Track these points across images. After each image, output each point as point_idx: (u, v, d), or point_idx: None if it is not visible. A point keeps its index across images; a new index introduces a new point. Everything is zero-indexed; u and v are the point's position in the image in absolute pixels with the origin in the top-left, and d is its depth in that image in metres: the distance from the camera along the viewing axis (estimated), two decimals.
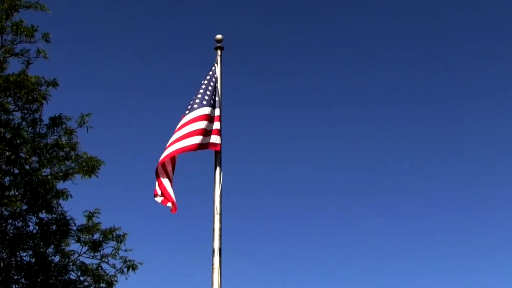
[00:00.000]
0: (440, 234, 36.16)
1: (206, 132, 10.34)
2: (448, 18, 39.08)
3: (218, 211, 9.99)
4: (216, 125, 10.45)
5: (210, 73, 10.91)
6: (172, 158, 10.20)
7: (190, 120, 10.35)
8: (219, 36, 11.36)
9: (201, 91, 10.65)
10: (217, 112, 10.56)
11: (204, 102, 10.52)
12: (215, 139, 10.35)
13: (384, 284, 33.38)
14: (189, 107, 10.54)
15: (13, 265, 13.73)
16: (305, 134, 38.80)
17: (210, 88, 10.70)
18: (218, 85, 10.94)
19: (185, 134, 10.22)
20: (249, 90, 38.87)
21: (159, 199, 9.95)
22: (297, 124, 39.03)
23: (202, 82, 10.80)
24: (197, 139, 10.20)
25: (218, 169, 10.32)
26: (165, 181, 10.02)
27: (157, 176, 10.04)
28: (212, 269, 9.65)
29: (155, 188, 10.04)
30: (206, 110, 10.46)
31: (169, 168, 10.16)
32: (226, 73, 11.21)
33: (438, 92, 39.30)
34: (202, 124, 10.33)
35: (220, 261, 9.71)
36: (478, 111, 38.55)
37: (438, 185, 38.35)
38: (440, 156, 38.93)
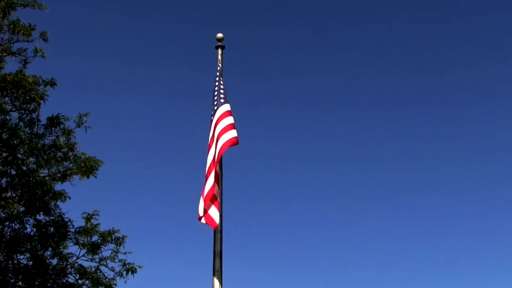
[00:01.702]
0: (443, 238, 36.14)
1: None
2: (452, 20, 39.05)
3: (219, 214, 9.99)
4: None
5: (217, 73, 11.00)
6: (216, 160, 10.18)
7: (218, 118, 10.39)
8: (219, 35, 11.39)
9: (220, 88, 10.74)
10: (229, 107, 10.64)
11: (221, 100, 10.61)
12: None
13: None
14: (214, 108, 10.61)
15: (10, 268, 13.73)
16: (308, 134, 38.82)
17: (222, 86, 10.81)
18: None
19: (220, 132, 10.23)
20: (250, 89, 38.84)
21: (203, 221, 9.86)
22: (299, 124, 39.05)
23: (218, 81, 10.88)
24: (234, 132, 10.23)
25: (219, 170, 10.32)
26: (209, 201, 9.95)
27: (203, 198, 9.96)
28: (213, 272, 9.65)
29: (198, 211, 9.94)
30: (228, 107, 10.54)
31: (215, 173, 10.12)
32: (227, 72, 11.26)
33: (442, 94, 39.25)
34: (231, 119, 10.38)
35: (221, 264, 9.71)
36: (481, 114, 38.49)
37: (441, 188, 38.33)
38: (443, 159, 38.90)
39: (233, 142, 10.17)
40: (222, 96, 10.68)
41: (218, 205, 9.86)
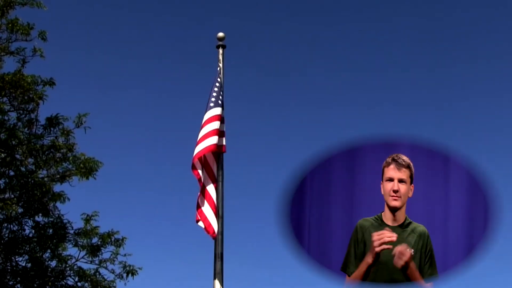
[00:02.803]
0: None
1: (220, 133, 10.36)
2: (458, 14, 38.99)
3: (220, 215, 10.00)
4: (222, 126, 10.47)
5: (217, 73, 10.97)
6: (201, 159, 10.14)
7: (206, 120, 10.36)
8: (220, 34, 11.37)
9: (216, 89, 10.71)
10: (220, 111, 10.57)
11: (219, 102, 10.57)
12: (223, 141, 10.37)
13: None
14: (211, 104, 10.57)
15: (9, 270, 13.76)
16: (311, 134, 38.77)
17: (217, 88, 10.76)
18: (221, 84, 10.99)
19: (203, 136, 10.21)
20: (252, 89, 38.85)
21: (201, 224, 9.85)
22: (302, 124, 39.01)
23: (214, 82, 10.85)
24: (214, 139, 10.19)
25: (220, 171, 10.32)
26: (205, 206, 9.92)
27: (198, 206, 9.93)
28: (214, 274, 9.66)
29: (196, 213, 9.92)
30: (218, 111, 10.48)
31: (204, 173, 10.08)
32: (228, 72, 11.24)
33: (444, 91, 39.16)
34: (216, 125, 10.33)
35: (222, 266, 9.72)
36: (484, 112, 38.38)
37: None
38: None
39: (212, 149, 10.15)
40: (213, 98, 10.64)
41: (215, 210, 9.83)
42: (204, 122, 10.37)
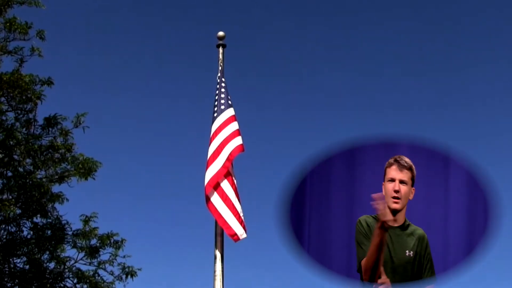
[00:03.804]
0: None
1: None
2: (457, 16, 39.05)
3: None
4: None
5: (219, 74, 10.96)
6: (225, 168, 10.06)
7: (223, 123, 10.36)
8: (221, 33, 11.40)
9: (223, 90, 10.71)
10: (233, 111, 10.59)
11: (229, 102, 10.57)
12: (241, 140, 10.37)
13: None
14: (221, 107, 10.53)
15: (7, 272, 13.84)
16: (311, 134, 38.83)
17: (224, 88, 10.76)
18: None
19: (226, 138, 10.22)
20: (251, 89, 38.90)
21: (241, 233, 9.75)
22: (303, 124, 39.07)
23: (220, 82, 10.84)
24: (239, 140, 10.20)
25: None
26: (223, 209, 9.89)
27: (213, 211, 9.84)
28: (214, 276, 9.74)
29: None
30: (231, 111, 10.49)
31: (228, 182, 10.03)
32: (228, 72, 11.28)
33: (445, 92, 39.20)
34: (236, 125, 10.34)
35: (222, 268, 9.79)
36: (484, 112, 38.41)
37: None
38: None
39: (240, 150, 10.17)
40: (228, 98, 10.65)
41: (238, 216, 9.79)
42: (224, 122, 10.33)
